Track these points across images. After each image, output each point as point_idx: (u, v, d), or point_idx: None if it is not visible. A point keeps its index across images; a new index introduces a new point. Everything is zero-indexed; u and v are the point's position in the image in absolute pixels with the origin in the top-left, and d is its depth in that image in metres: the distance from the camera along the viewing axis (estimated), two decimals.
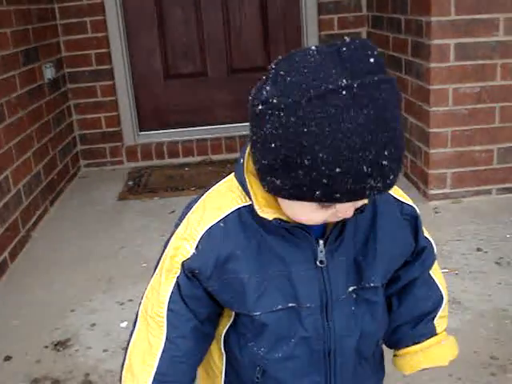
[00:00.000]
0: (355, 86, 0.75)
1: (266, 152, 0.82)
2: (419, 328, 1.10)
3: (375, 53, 0.79)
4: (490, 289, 2.45)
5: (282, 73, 0.79)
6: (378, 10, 3.93)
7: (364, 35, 4.22)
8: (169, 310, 0.98)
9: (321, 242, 0.94)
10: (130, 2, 4.26)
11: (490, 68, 3.11)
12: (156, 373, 0.99)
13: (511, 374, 1.96)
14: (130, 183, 3.95)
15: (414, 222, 1.06)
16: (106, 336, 2.30)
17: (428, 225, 1.13)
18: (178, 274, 0.97)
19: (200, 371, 1.12)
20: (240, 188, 0.95)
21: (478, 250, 2.76)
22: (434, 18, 3.01)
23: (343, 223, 0.95)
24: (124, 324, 2.36)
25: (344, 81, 0.75)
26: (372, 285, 1.00)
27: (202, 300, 0.98)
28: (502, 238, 2.86)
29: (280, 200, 0.90)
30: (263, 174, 0.86)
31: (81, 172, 4.27)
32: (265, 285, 0.94)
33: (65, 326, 2.38)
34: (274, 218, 0.90)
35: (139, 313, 1.04)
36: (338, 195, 0.79)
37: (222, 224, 0.95)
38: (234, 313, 1.01)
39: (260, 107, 0.80)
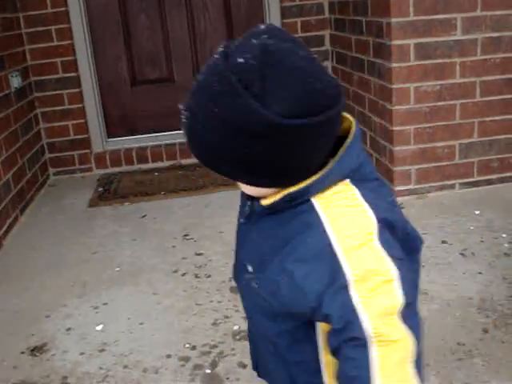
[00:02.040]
0: None
1: None
2: None
3: None
4: (456, 279, 2.53)
5: None
6: (340, 12, 4.02)
7: (327, 38, 4.30)
8: None
9: (249, 202, 1.03)
10: (95, 9, 4.27)
11: (449, 66, 3.20)
12: None
13: (477, 358, 2.04)
14: (100, 190, 3.97)
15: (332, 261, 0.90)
16: (82, 339, 2.32)
17: None
18: None
19: None
20: None
21: (443, 242, 2.85)
22: (393, 19, 3.10)
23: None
24: (99, 327, 2.38)
25: None
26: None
27: None
28: (466, 230, 2.96)
29: None
30: None
31: (50, 180, 4.26)
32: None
33: (40, 331, 2.40)
34: None
35: None
36: None
37: None
38: None
39: None
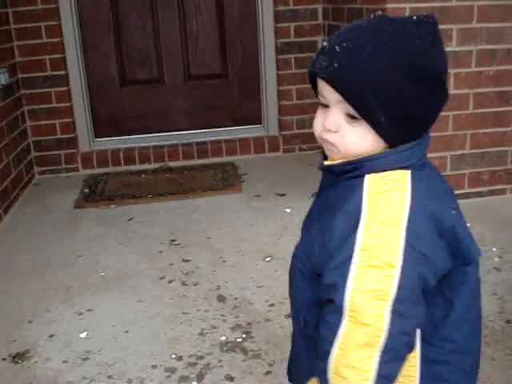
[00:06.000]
0: None
1: None
2: None
3: None
4: None
5: None
6: (334, 18, 3.99)
7: (320, 44, 4.27)
8: None
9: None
10: (86, 7, 4.21)
11: None
12: None
13: None
14: (86, 191, 3.90)
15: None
16: (65, 347, 2.26)
17: None
18: None
19: None
20: None
21: None
22: None
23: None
24: (83, 334, 2.32)
25: None
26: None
27: None
28: None
29: None
30: None
31: (35, 179, 4.19)
32: None
33: (22, 337, 2.33)
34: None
35: None
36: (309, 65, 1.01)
37: None
38: None
39: None
